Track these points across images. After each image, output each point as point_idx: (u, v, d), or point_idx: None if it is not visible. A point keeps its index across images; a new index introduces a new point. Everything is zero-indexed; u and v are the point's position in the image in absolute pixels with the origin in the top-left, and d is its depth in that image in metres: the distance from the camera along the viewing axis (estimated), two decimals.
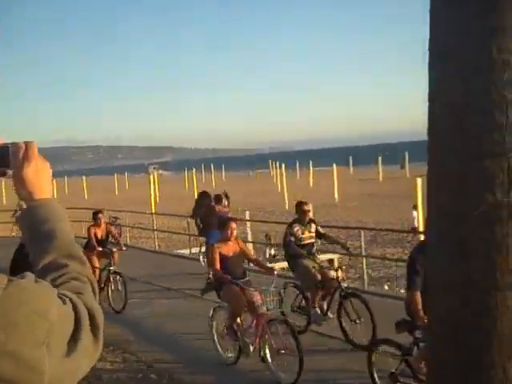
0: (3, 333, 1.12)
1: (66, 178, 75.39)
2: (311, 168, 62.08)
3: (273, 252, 22.75)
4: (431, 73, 3.54)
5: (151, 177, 43.76)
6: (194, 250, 20.31)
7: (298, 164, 77.29)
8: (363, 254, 14.47)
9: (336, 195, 44.00)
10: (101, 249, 13.13)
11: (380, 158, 62.43)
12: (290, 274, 11.18)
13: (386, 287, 16.92)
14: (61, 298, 1.26)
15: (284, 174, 47.45)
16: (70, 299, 1.29)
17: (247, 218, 21.08)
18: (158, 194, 47.35)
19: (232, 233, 8.69)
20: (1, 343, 1.11)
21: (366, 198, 44.31)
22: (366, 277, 14.02)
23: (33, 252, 1.47)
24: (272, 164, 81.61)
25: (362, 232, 14.72)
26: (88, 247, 13.07)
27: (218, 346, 8.89)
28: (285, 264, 19.19)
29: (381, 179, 59.07)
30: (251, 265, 10.99)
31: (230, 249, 8.66)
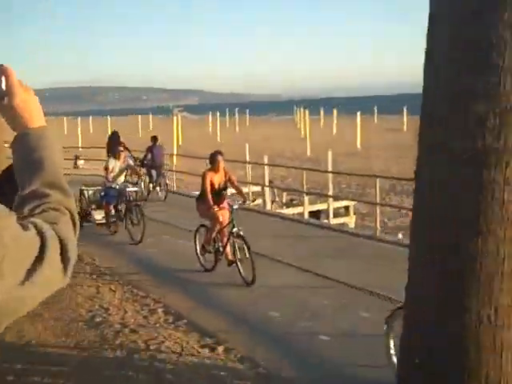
0: None
1: (90, 117, 75.60)
2: (335, 116, 61.56)
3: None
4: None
5: (175, 118, 43.91)
6: None
7: (322, 111, 76.67)
8: (377, 202, 14.44)
9: (359, 144, 43.70)
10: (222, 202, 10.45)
11: (405, 108, 61.67)
12: None
13: (401, 236, 16.96)
14: (22, 224, 1.23)
15: (307, 120, 47.07)
16: (36, 226, 1.26)
17: (266, 162, 21.10)
18: (180, 137, 47.39)
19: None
20: None
21: (388, 147, 43.99)
22: (378, 225, 14.10)
23: (20, 180, 1.45)
24: (296, 110, 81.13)
25: (378, 180, 14.63)
26: (202, 198, 10.50)
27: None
28: (300, 209, 19.48)
29: (405, 129, 58.42)
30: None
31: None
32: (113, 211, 14.01)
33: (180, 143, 45.48)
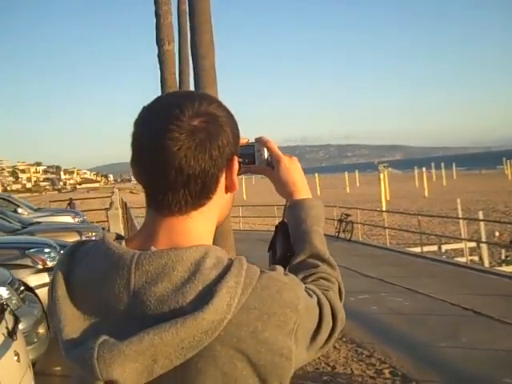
0: (259, 321, 1.18)
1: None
2: None
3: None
4: None
5: (381, 175, 43.75)
6: (425, 249, 20.19)
7: None
8: None
9: None
10: None
11: None
12: None
13: None
14: (307, 292, 1.33)
15: None
16: (316, 294, 1.35)
17: (481, 217, 20.51)
18: (387, 192, 47.10)
19: None
20: (258, 331, 1.18)
21: None
22: None
23: (294, 247, 1.57)
24: (506, 162, 77.65)
25: None
26: None
27: None
28: None
29: None
30: None
31: None
32: None
33: (388, 198, 45.25)
